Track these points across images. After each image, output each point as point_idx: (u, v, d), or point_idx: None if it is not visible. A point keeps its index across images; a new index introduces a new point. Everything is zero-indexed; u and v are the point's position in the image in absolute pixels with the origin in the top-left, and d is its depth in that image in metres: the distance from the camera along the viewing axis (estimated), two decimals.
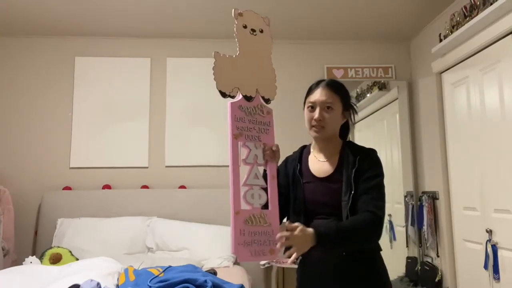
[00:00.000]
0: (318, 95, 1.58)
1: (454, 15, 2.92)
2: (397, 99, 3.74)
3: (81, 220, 3.19)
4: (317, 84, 1.63)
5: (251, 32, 1.47)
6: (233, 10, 1.45)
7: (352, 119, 1.66)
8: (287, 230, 1.33)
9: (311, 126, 1.58)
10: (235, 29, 1.44)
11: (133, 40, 3.67)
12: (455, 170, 3.03)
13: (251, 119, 1.41)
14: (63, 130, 3.51)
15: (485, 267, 2.56)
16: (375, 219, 1.44)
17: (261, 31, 1.50)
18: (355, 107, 1.67)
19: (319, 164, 1.61)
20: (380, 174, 1.54)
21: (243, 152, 1.37)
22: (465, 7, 2.78)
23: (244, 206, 1.32)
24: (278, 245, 1.33)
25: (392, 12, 3.23)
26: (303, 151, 1.71)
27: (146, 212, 3.31)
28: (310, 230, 1.35)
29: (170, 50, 3.69)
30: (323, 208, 1.53)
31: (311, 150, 1.69)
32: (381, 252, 1.56)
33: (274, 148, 1.44)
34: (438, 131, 3.21)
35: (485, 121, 2.64)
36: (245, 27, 1.46)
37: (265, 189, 1.39)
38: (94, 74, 3.60)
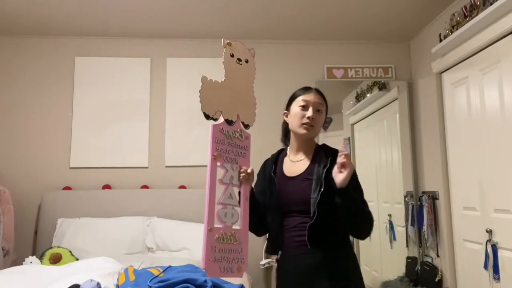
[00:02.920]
0: (312, 96, 1.70)
1: (454, 15, 2.92)
2: (397, 99, 3.74)
3: (81, 220, 3.19)
4: (306, 89, 1.75)
5: (237, 61, 1.58)
6: (222, 40, 1.55)
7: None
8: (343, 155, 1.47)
9: (302, 124, 1.67)
10: (223, 57, 1.54)
11: (133, 40, 3.67)
12: (455, 170, 3.03)
13: (230, 142, 1.52)
14: (63, 130, 3.51)
15: (485, 267, 2.56)
16: (369, 216, 1.57)
17: (247, 61, 1.62)
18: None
19: (292, 165, 1.72)
20: (354, 173, 1.59)
21: (220, 172, 1.46)
22: (465, 7, 2.78)
23: (217, 223, 1.41)
24: (338, 164, 1.47)
25: (392, 12, 3.23)
26: (280, 154, 1.81)
27: (146, 212, 3.31)
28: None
29: (170, 50, 3.69)
30: (294, 206, 1.62)
31: (288, 152, 1.79)
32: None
33: (249, 171, 1.54)
34: (438, 131, 3.21)
35: (485, 121, 2.64)
36: (232, 56, 1.56)
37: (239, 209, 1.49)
38: (94, 74, 3.60)
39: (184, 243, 3.09)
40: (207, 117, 1.48)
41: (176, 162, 3.55)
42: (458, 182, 2.98)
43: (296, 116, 1.69)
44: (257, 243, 3.30)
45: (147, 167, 3.54)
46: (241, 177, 1.52)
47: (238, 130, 1.55)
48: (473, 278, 2.77)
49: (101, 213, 3.27)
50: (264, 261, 3.17)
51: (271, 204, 1.67)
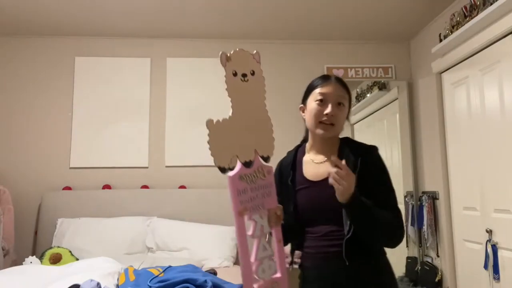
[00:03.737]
0: (331, 88, 1.44)
1: (454, 15, 2.92)
2: (397, 99, 3.74)
3: (81, 220, 3.19)
4: (325, 78, 1.49)
5: (242, 79, 1.31)
6: (220, 54, 1.27)
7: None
8: (335, 166, 1.29)
9: (319, 122, 1.43)
10: (225, 80, 1.27)
11: (133, 40, 3.67)
12: (455, 170, 3.03)
13: (253, 187, 1.29)
14: (63, 130, 3.51)
15: (485, 267, 2.56)
16: (399, 225, 1.39)
17: (253, 73, 1.34)
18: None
19: (315, 167, 1.49)
20: (388, 175, 1.44)
21: (249, 225, 1.29)
22: (465, 7, 2.78)
23: (255, 282, 1.27)
24: (330, 180, 1.29)
25: (392, 12, 3.23)
26: (297, 153, 1.58)
27: (146, 212, 3.31)
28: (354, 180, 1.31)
29: (170, 50, 3.69)
30: (321, 214, 1.43)
31: (307, 150, 1.56)
32: None
33: (278, 213, 1.33)
34: (438, 131, 3.21)
35: (485, 121, 2.64)
36: (235, 74, 1.29)
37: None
38: (94, 74, 3.60)
39: (184, 243, 3.09)
40: (223, 170, 1.26)
41: (176, 162, 3.55)
42: (458, 182, 2.98)
43: (312, 112, 1.45)
44: None
45: (147, 167, 3.54)
46: (271, 223, 1.32)
47: (259, 168, 1.32)
48: (473, 278, 2.77)
49: (101, 213, 3.27)
50: None
51: (290, 211, 1.47)
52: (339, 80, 1.49)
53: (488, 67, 2.61)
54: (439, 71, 3.20)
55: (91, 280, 1.88)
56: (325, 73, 3.71)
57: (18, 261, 2.97)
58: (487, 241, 2.55)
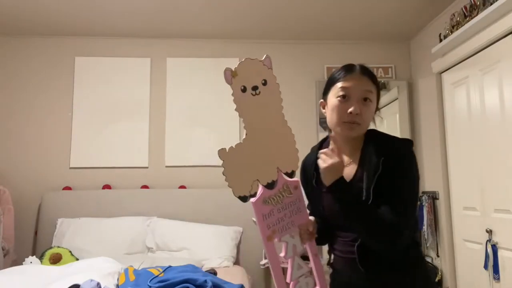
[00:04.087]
0: (355, 81, 1.27)
1: (454, 15, 2.92)
2: (397, 99, 3.74)
3: (81, 220, 3.19)
4: (348, 69, 1.31)
5: (253, 93, 1.19)
6: (224, 71, 1.15)
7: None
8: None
9: (343, 122, 1.26)
10: (233, 100, 1.17)
11: (133, 40, 3.66)
12: (455, 170, 3.03)
13: (279, 208, 1.21)
14: (63, 130, 3.51)
15: (485, 267, 2.56)
16: (393, 226, 1.18)
17: (264, 83, 1.20)
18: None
19: None
20: (408, 181, 1.23)
21: (280, 246, 1.25)
22: (465, 7, 2.78)
23: None
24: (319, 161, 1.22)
25: (392, 12, 3.23)
26: (322, 149, 1.40)
27: (146, 212, 3.31)
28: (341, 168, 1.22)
29: (170, 50, 3.69)
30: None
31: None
32: None
33: (310, 229, 1.25)
34: (438, 131, 3.21)
35: (485, 121, 2.64)
36: (244, 90, 1.18)
37: (310, 270, 1.29)
38: (94, 74, 3.60)
39: (184, 243, 3.09)
40: (244, 199, 1.17)
41: (176, 162, 3.55)
42: (458, 182, 2.98)
43: (334, 110, 1.28)
44: (257, 243, 3.30)
45: (147, 167, 3.54)
46: (304, 240, 1.25)
47: (284, 186, 1.22)
48: (473, 278, 2.77)
49: (101, 213, 3.27)
50: (264, 261, 3.17)
51: (318, 215, 1.37)
52: (365, 70, 1.30)
53: (488, 67, 2.61)
54: (439, 71, 3.20)
55: (91, 280, 1.88)
56: (325, 73, 3.71)
57: (18, 261, 2.97)
58: (487, 241, 2.55)
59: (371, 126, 1.35)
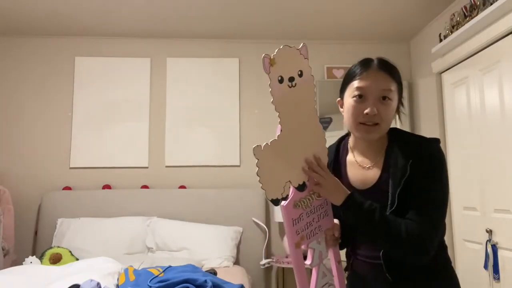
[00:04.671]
0: (371, 79, 1.18)
1: (454, 15, 2.92)
2: None
3: (81, 220, 3.19)
4: (365, 64, 1.22)
5: (290, 84, 1.10)
6: (262, 58, 1.05)
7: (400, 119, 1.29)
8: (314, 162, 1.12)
9: (359, 123, 1.18)
10: (270, 91, 1.06)
11: (133, 40, 3.67)
12: (455, 170, 3.03)
13: (308, 212, 1.15)
14: (63, 130, 3.51)
15: (485, 267, 2.56)
16: (417, 240, 1.10)
17: (300, 74, 1.12)
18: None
19: (361, 172, 1.25)
20: (436, 182, 1.15)
21: (305, 251, 1.19)
22: (465, 7, 2.78)
23: None
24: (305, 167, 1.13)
25: (392, 12, 3.23)
26: (340, 148, 1.34)
27: (146, 212, 3.31)
28: (343, 186, 1.15)
29: (170, 50, 3.69)
30: None
31: (350, 149, 1.31)
32: None
33: (336, 234, 1.20)
34: (438, 131, 3.21)
35: (485, 121, 2.64)
36: (281, 80, 1.08)
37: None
38: (94, 74, 3.60)
39: (184, 243, 3.09)
40: (276, 202, 1.09)
41: (176, 162, 3.55)
42: (458, 182, 2.98)
43: (350, 111, 1.20)
44: (257, 243, 3.30)
45: (147, 167, 3.54)
46: (329, 246, 1.21)
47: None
48: (473, 278, 2.77)
49: (101, 213, 3.27)
50: (264, 261, 3.17)
51: (339, 213, 1.27)
52: (383, 65, 1.21)
53: (488, 67, 2.61)
54: (439, 71, 3.20)
55: (91, 280, 1.88)
56: (325, 73, 3.71)
57: (18, 261, 2.97)
58: (487, 241, 2.55)
59: (394, 125, 1.27)
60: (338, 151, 1.33)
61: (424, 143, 1.20)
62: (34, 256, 2.83)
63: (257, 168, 1.04)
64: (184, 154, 3.56)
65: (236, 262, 3.16)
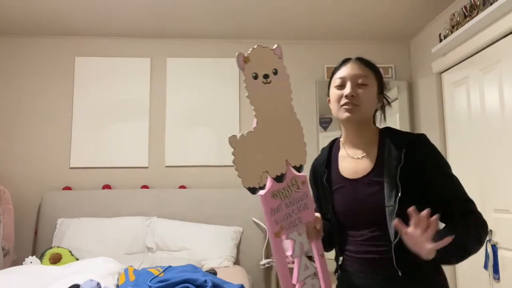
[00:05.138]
0: (348, 69, 1.32)
1: (454, 15, 2.92)
2: (397, 99, 3.74)
3: (81, 220, 3.19)
4: (343, 61, 1.37)
5: (264, 81, 1.16)
6: (236, 55, 1.14)
7: (383, 113, 1.40)
8: (416, 222, 1.05)
9: (341, 106, 1.29)
10: (245, 86, 1.13)
11: (133, 40, 3.67)
12: (455, 170, 3.02)
13: (287, 202, 1.17)
14: (63, 130, 3.51)
15: (485, 267, 2.56)
16: (484, 222, 1.20)
17: (275, 72, 1.18)
18: (387, 96, 1.40)
19: (352, 163, 1.33)
20: (445, 163, 1.27)
21: (287, 244, 1.20)
22: (465, 7, 2.78)
23: None
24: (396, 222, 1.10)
25: (392, 12, 3.23)
26: (333, 148, 1.42)
27: (146, 212, 3.31)
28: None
29: (170, 50, 3.69)
30: (361, 216, 1.28)
31: (342, 144, 1.40)
32: None
33: (318, 227, 1.22)
34: (438, 131, 3.21)
35: (485, 121, 2.64)
36: (255, 77, 1.15)
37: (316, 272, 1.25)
38: (94, 74, 3.60)
39: (184, 243, 3.09)
40: (253, 190, 1.12)
41: (176, 162, 3.55)
42: None
43: (333, 98, 1.33)
44: (257, 243, 3.30)
45: (147, 167, 3.54)
46: (310, 238, 1.22)
47: (292, 180, 1.19)
48: (473, 278, 2.77)
49: (101, 213, 3.27)
50: (264, 261, 3.17)
51: (329, 215, 1.36)
52: (360, 59, 1.35)
53: (488, 67, 2.61)
54: (439, 71, 3.20)
55: (91, 280, 1.88)
56: (325, 73, 3.71)
57: (18, 261, 2.97)
58: (487, 241, 2.55)
59: (384, 124, 1.39)
60: (331, 151, 1.42)
61: (414, 134, 1.34)
62: (34, 256, 2.83)
63: (233, 157, 1.10)
64: (184, 154, 3.55)
65: (236, 262, 3.16)
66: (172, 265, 2.26)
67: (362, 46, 3.78)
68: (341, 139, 1.41)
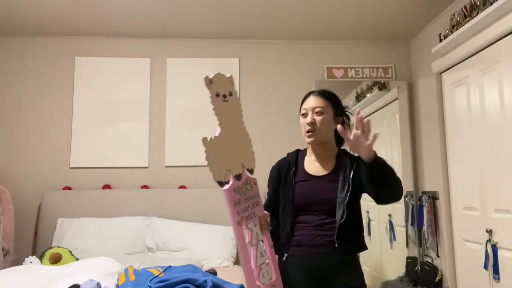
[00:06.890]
0: (309, 102, 1.72)
1: (454, 15, 2.92)
2: (397, 99, 3.74)
3: (81, 220, 3.19)
4: (308, 94, 1.77)
5: (224, 99, 1.45)
6: (204, 78, 1.39)
7: (346, 127, 1.74)
8: (356, 125, 1.48)
9: (305, 132, 1.70)
10: (211, 101, 1.40)
11: (133, 40, 3.67)
12: (455, 170, 3.03)
13: (245, 198, 1.43)
14: (63, 130, 3.51)
15: (485, 267, 2.56)
16: (400, 183, 1.62)
17: (230, 94, 1.47)
18: (348, 113, 1.79)
19: (315, 165, 1.73)
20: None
21: (246, 234, 1.42)
22: (465, 7, 2.78)
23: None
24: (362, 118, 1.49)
25: (392, 12, 3.23)
26: (299, 154, 1.82)
27: (146, 212, 3.31)
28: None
29: (170, 50, 3.69)
30: (318, 205, 1.65)
31: (309, 153, 1.79)
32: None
33: (268, 220, 1.51)
34: (438, 131, 3.21)
35: (485, 121, 2.64)
36: (217, 95, 1.42)
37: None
38: (94, 74, 3.60)
39: (184, 243, 3.09)
40: (221, 184, 1.36)
41: (176, 162, 3.55)
42: (458, 182, 2.98)
43: (301, 126, 1.74)
44: None
45: (147, 167, 3.54)
46: (263, 229, 1.48)
47: (247, 180, 1.45)
48: (473, 278, 2.77)
49: (101, 213, 3.27)
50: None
51: (285, 203, 1.70)
52: (320, 93, 1.74)
53: (488, 67, 2.61)
54: (439, 71, 3.20)
55: (91, 280, 1.88)
56: (325, 73, 3.72)
57: (18, 261, 2.97)
58: (487, 241, 2.55)
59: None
60: (297, 156, 1.80)
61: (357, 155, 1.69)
62: (34, 256, 2.83)
63: (205, 155, 1.32)
64: (184, 154, 3.55)
65: (236, 262, 3.16)
66: (172, 265, 2.26)
67: (362, 46, 3.78)
68: (308, 151, 1.79)
